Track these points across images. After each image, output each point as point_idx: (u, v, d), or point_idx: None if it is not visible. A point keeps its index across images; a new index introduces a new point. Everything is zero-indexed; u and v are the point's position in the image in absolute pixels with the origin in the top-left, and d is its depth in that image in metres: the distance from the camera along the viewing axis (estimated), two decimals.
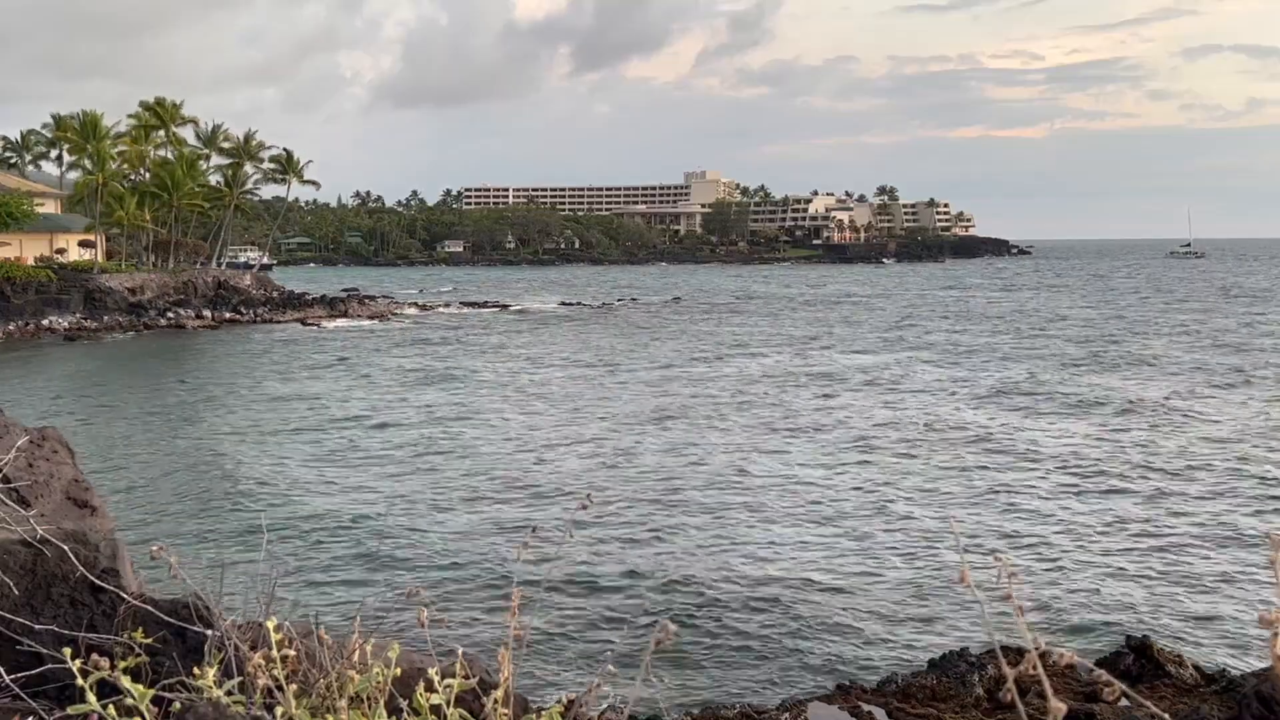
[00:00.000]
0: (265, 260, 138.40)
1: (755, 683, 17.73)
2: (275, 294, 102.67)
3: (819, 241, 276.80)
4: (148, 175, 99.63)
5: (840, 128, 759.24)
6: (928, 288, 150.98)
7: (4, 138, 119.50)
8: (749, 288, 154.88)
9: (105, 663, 3.31)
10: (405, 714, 3.54)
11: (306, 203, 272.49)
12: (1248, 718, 9.16)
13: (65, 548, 4.73)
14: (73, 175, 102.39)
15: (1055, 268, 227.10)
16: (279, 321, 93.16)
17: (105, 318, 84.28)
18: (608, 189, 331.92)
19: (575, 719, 3.59)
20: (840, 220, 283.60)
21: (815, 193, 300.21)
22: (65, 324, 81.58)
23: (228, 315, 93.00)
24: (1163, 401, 46.50)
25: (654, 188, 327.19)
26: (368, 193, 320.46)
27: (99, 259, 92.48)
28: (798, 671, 18.31)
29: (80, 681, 3.29)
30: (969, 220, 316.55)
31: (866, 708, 14.53)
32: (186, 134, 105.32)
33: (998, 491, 30.81)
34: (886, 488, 31.27)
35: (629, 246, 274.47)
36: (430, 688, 3.49)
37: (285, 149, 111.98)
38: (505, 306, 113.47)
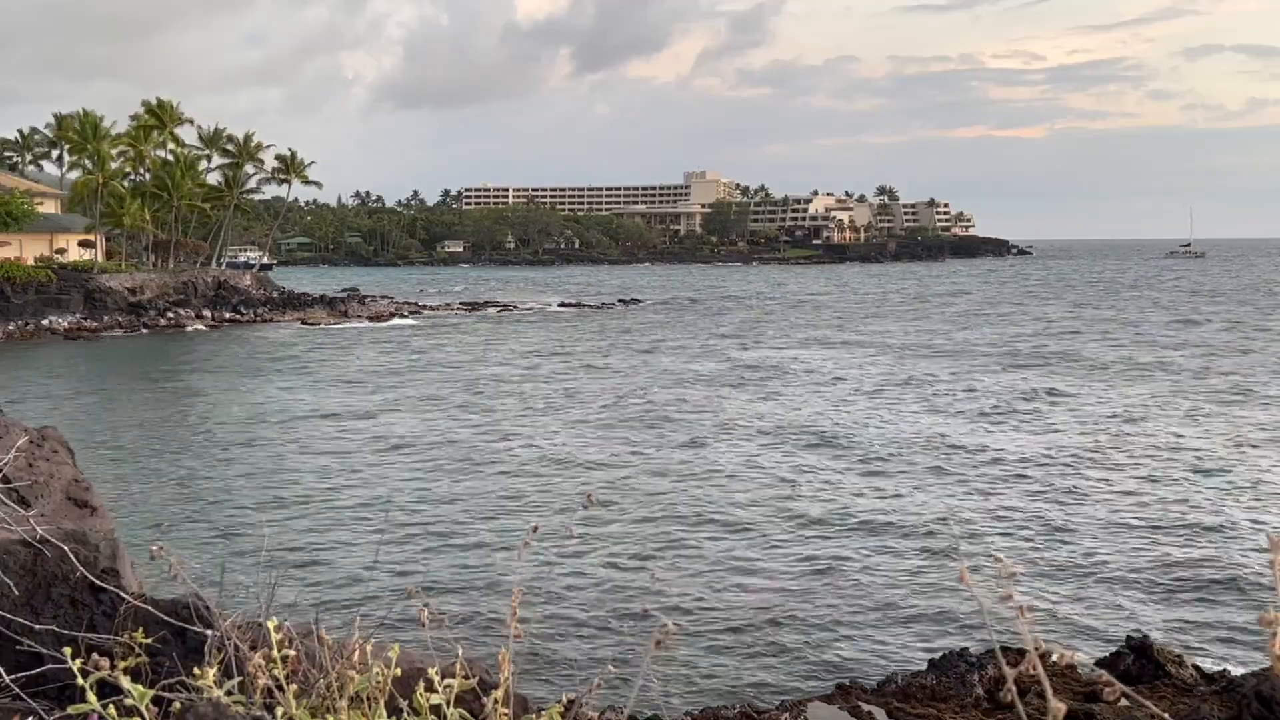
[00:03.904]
0: (265, 260, 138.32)
1: (755, 683, 17.74)
2: (275, 294, 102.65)
3: (819, 241, 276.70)
4: (148, 175, 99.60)
5: (840, 128, 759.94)
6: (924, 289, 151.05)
7: (5, 139, 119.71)
8: (754, 289, 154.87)
9: (105, 663, 3.31)
10: (405, 714, 3.54)
11: (307, 203, 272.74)
12: (1248, 718, 9.15)
13: (65, 548, 4.73)
14: (73, 175, 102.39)
15: (1050, 269, 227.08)
16: (279, 321, 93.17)
17: (105, 318, 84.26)
18: (608, 189, 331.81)
19: (575, 719, 3.59)
20: (840, 220, 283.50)
21: (815, 193, 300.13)
22: (65, 324, 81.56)
23: (228, 315, 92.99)
24: (1142, 401, 46.53)
25: (654, 188, 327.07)
26: (368, 193, 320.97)
27: (99, 259, 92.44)
28: (798, 671, 18.32)
29: (80, 681, 3.29)
30: (969, 220, 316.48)
31: (866, 708, 14.53)
32: (189, 135, 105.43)
33: (996, 493, 30.82)
34: (885, 489, 31.28)
35: (629, 246, 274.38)
36: (430, 688, 3.49)
37: (290, 149, 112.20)
38: (505, 307, 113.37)
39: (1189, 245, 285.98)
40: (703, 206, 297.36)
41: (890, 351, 69.21)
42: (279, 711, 3.48)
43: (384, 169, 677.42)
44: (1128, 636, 17.64)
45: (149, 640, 3.82)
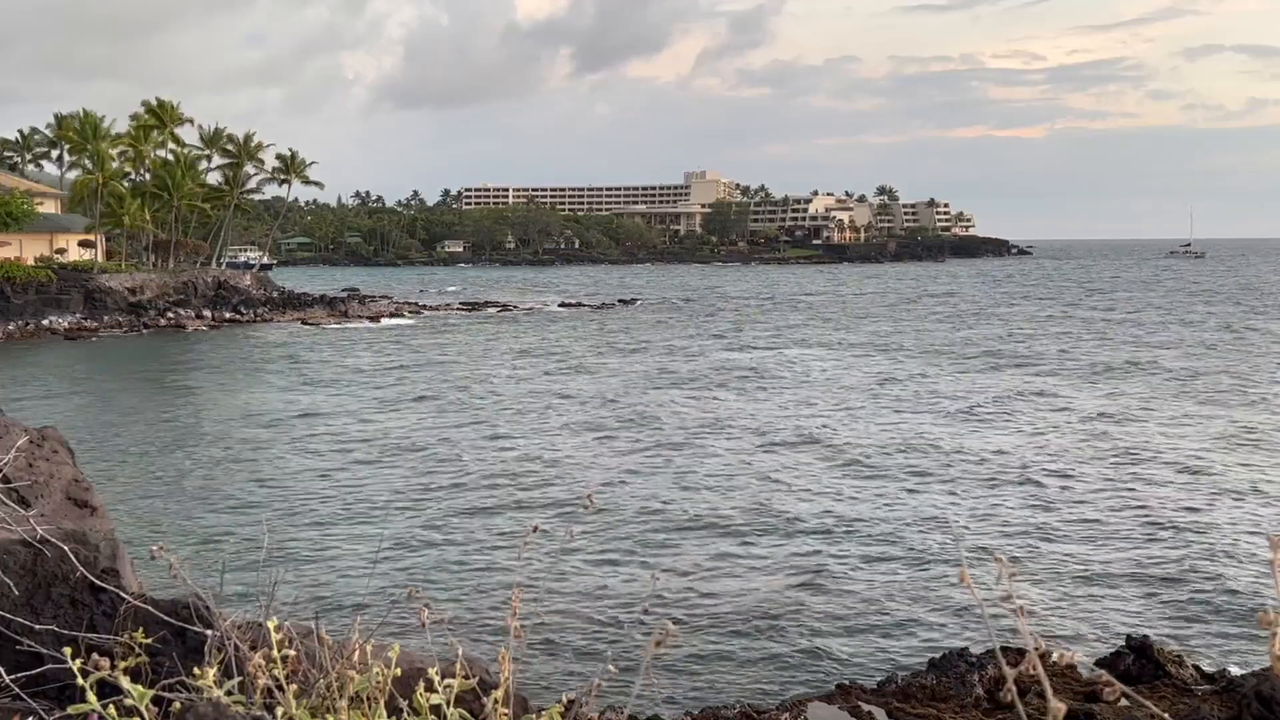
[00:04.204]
0: (265, 260, 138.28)
1: (755, 683, 17.73)
2: (275, 294, 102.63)
3: (819, 241, 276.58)
4: (148, 175, 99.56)
5: (840, 128, 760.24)
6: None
7: (5, 139, 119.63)
8: (754, 290, 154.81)
9: (105, 663, 3.30)
10: (405, 714, 3.54)
11: (307, 203, 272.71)
12: (1248, 718, 9.15)
13: (65, 548, 4.73)
14: (73, 175, 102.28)
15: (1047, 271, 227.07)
16: (279, 321, 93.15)
17: (105, 318, 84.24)
18: (608, 189, 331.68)
19: (575, 719, 3.59)
20: (840, 220, 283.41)
21: (815, 193, 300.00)
22: (65, 324, 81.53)
23: (228, 315, 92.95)
24: (1137, 401, 46.53)
25: (654, 188, 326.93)
26: (368, 193, 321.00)
27: (99, 259, 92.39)
28: (798, 671, 18.31)
29: (80, 681, 3.29)
30: (969, 220, 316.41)
31: (866, 708, 14.53)
32: (189, 135, 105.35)
33: (993, 492, 30.82)
34: (882, 489, 31.27)
35: (629, 246, 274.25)
36: (430, 688, 3.49)
37: (290, 149, 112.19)
38: (504, 307, 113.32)
39: (1189, 245, 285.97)
40: (703, 206, 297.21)
41: (887, 352, 69.21)
42: (279, 711, 3.48)
43: (384, 169, 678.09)
44: (1128, 636, 17.64)
45: (149, 640, 3.82)
